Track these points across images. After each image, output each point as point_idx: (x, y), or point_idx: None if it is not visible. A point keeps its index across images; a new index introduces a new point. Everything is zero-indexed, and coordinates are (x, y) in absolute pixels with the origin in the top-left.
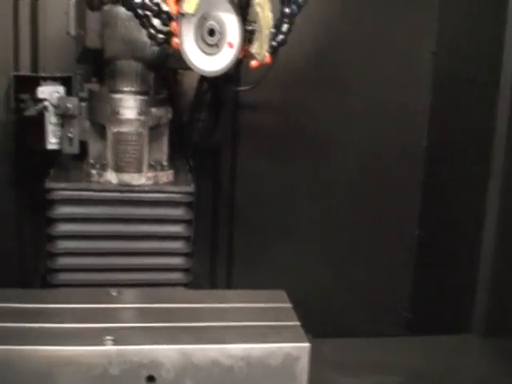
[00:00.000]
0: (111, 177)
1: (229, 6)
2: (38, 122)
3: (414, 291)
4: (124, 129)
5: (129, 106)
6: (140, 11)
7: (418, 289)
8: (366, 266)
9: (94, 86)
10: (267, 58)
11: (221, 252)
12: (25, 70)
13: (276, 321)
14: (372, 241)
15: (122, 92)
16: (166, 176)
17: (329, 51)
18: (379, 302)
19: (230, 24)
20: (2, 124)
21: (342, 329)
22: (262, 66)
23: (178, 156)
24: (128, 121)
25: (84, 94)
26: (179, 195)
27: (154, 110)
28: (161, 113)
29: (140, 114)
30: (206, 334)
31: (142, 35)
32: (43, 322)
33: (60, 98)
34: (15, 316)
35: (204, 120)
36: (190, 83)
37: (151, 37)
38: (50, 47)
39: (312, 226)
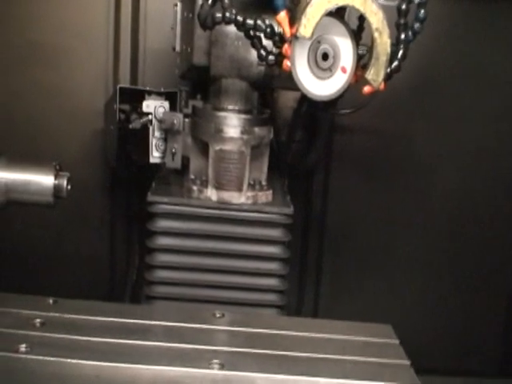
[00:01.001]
0: (211, 194)
1: (344, 30)
2: (138, 134)
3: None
4: (227, 147)
5: (232, 125)
6: (252, 32)
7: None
8: (458, 305)
9: (198, 103)
10: (382, 84)
11: (309, 274)
12: (124, 83)
13: (384, 358)
14: (468, 276)
15: (226, 110)
16: (265, 196)
17: (433, 79)
18: (470, 341)
19: (344, 48)
20: (101, 134)
21: (431, 365)
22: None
23: (273, 176)
24: (231, 139)
25: (188, 111)
26: (278, 216)
27: (256, 129)
28: (263, 132)
29: (243, 132)
30: (314, 365)
31: (249, 54)
32: (145, 340)
33: (166, 114)
34: (115, 331)
35: (300, 141)
36: (285, 102)
37: (261, 58)
38: (149, 61)
39: (405, 255)
